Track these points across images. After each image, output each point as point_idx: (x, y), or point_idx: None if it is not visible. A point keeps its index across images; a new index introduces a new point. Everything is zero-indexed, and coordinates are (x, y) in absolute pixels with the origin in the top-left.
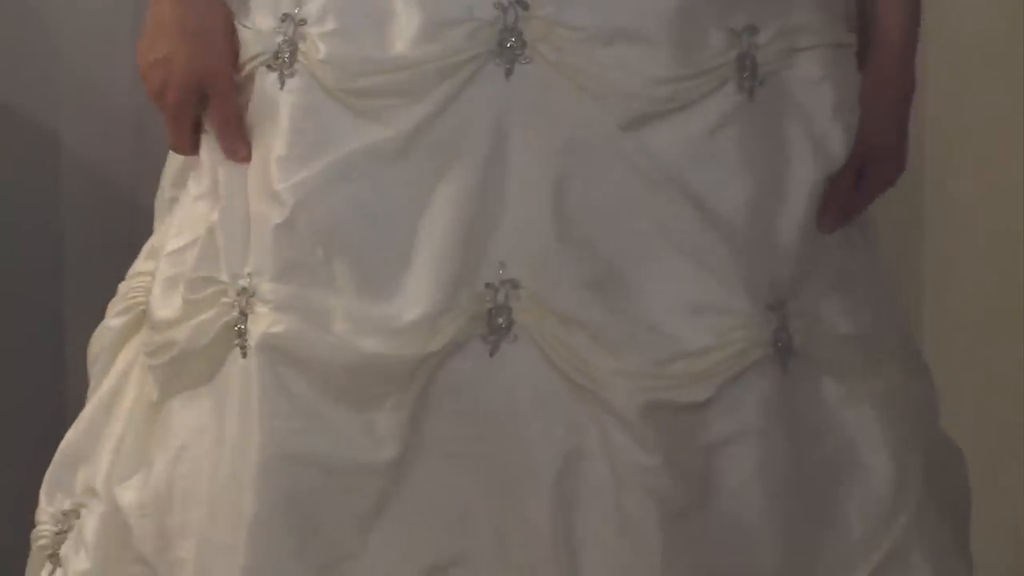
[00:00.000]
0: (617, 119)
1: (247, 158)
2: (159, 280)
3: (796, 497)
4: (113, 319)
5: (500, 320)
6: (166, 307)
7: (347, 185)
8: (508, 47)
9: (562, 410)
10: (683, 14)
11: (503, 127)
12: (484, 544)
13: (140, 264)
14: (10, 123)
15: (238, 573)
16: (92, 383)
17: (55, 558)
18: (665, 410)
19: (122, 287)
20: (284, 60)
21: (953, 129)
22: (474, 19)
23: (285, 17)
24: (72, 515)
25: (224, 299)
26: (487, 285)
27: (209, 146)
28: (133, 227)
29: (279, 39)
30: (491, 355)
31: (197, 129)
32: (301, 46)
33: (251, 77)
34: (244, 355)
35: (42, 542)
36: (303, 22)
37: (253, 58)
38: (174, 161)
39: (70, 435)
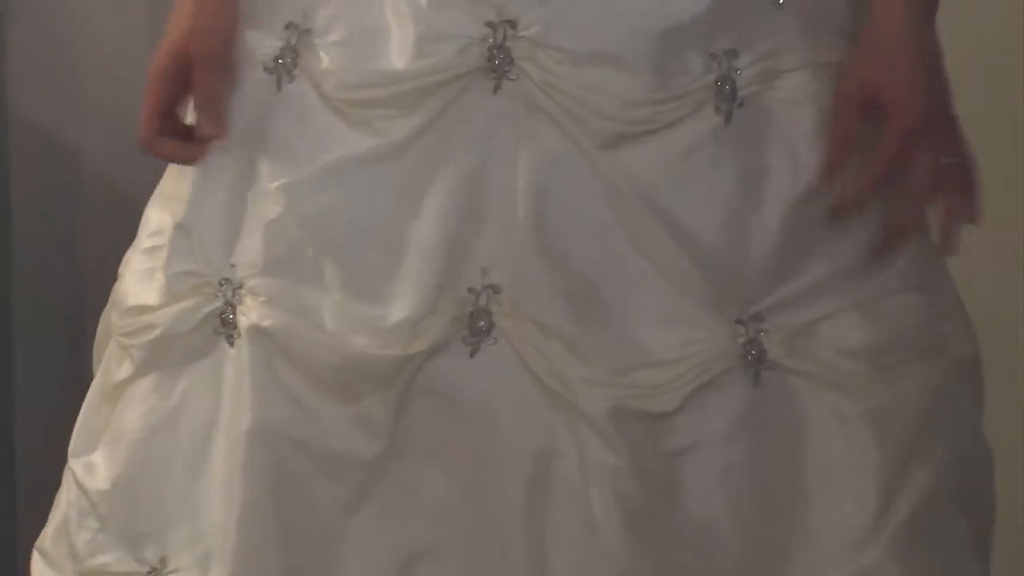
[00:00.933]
0: (595, 139)
1: (220, 136)
2: (131, 272)
3: (762, 505)
4: (101, 320)
5: (481, 323)
6: (141, 295)
7: (338, 189)
8: (496, 64)
9: (537, 412)
10: (666, 39)
11: (489, 140)
12: (459, 535)
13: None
14: (34, 138)
15: (230, 551)
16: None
17: None
18: (631, 416)
19: None
20: (284, 64)
21: None
22: (465, 36)
23: (289, 25)
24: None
25: (207, 289)
26: (469, 289)
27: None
28: None
29: (280, 44)
30: (471, 356)
31: (168, 112)
32: (304, 54)
33: (244, 77)
34: (231, 344)
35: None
36: (308, 32)
37: (251, 57)
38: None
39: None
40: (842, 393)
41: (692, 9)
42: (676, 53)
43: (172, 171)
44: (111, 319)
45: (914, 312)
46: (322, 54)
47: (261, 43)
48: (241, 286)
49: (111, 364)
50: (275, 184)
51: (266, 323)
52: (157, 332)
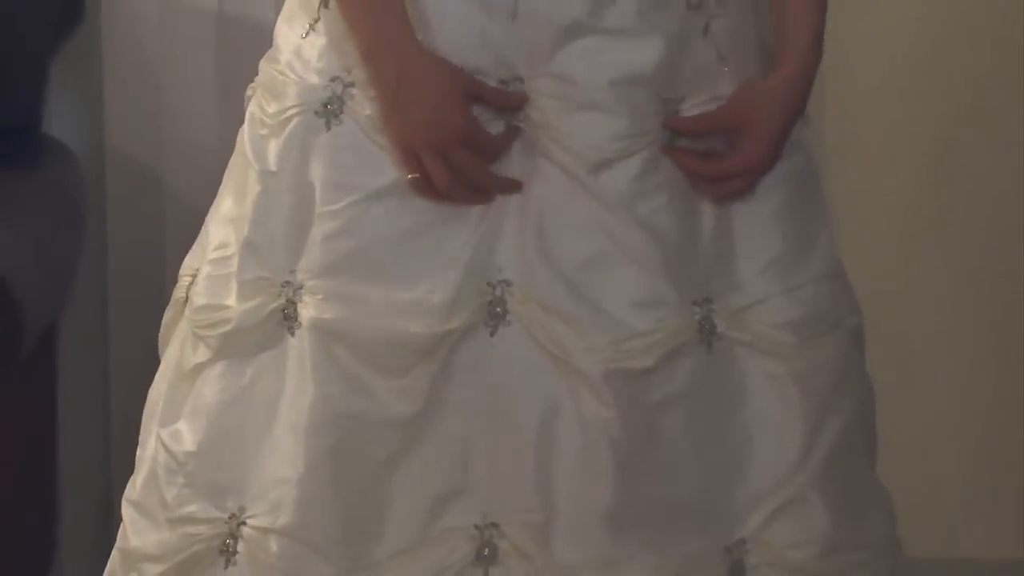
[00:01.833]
0: (585, 165)
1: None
2: (203, 278)
3: (715, 448)
4: (165, 314)
5: (498, 309)
6: (213, 297)
7: (382, 208)
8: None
9: (545, 377)
10: (636, 90)
11: (506, 173)
12: (480, 478)
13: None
14: (122, 164)
15: (295, 499)
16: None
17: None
18: (620, 375)
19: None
20: (332, 110)
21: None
22: (489, 75)
23: (335, 78)
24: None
25: (271, 290)
26: (488, 283)
27: (241, 174)
28: None
29: (327, 94)
30: (492, 336)
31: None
32: (348, 103)
33: (289, 119)
34: (292, 334)
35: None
36: (351, 84)
37: (298, 105)
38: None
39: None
40: (775, 358)
41: (651, 62)
42: (643, 100)
43: (231, 194)
44: (170, 315)
45: (827, 295)
46: (365, 104)
47: (307, 92)
48: (301, 287)
49: (186, 350)
50: (327, 209)
51: (327, 315)
52: (231, 326)
